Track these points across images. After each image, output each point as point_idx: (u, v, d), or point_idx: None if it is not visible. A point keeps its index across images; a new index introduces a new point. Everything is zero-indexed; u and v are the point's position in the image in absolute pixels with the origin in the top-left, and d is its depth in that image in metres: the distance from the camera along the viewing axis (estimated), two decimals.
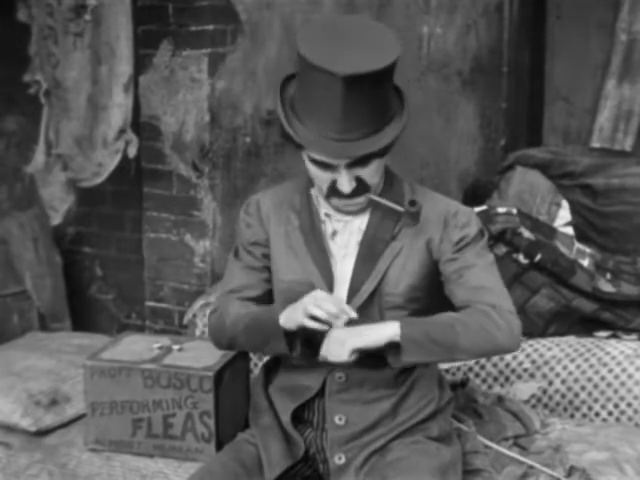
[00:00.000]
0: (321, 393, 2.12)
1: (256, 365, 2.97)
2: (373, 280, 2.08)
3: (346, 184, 2.01)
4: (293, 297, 2.10)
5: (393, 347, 2.00)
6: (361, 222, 2.12)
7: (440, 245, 2.09)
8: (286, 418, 2.13)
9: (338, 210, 2.11)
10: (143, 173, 3.73)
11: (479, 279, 2.06)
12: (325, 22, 2.11)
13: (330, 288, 2.09)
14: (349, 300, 2.08)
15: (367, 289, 2.07)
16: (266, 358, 2.32)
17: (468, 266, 2.07)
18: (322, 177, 2.03)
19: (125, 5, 3.73)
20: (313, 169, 2.04)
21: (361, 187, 2.03)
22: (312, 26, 2.03)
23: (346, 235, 2.12)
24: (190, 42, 3.53)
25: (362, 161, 1.99)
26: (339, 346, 1.98)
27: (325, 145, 1.95)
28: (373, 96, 1.94)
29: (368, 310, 2.07)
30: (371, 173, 2.03)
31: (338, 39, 1.94)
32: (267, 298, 2.21)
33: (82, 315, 4.03)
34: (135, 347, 2.49)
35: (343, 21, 2.09)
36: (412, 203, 2.04)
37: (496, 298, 2.05)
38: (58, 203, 4.06)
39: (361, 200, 2.06)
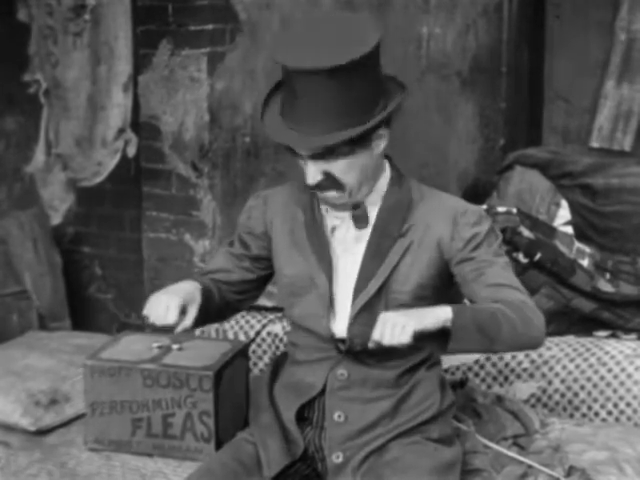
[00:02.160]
0: (323, 391, 2.12)
1: (256, 364, 2.97)
2: (381, 276, 2.07)
3: (309, 175, 2.02)
4: (295, 291, 2.13)
5: (439, 334, 1.90)
6: None
7: (451, 243, 2.06)
8: (290, 415, 2.13)
9: (324, 204, 2.11)
10: (142, 173, 3.73)
11: (501, 277, 2.04)
12: (302, 21, 2.16)
13: (330, 282, 2.09)
14: (354, 297, 2.08)
15: (374, 285, 2.07)
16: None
17: (487, 265, 2.04)
18: (300, 168, 2.05)
19: (124, 5, 3.74)
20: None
21: (329, 182, 2.02)
22: (291, 27, 2.09)
23: (343, 230, 2.12)
24: (189, 41, 3.53)
25: (324, 156, 1.98)
26: (399, 329, 1.84)
27: (283, 133, 1.99)
28: (333, 93, 1.92)
29: (373, 307, 2.06)
30: (342, 170, 2.01)
31: (309, 36, 1.97)
32: (244, 287, 2.24)
33: (82, 315, 4.03)
34: (135, 346, 2.49)
35: (320, 18, 2.14)
36: (355, 207, 2.07)
37: (522, 295, 2.03)
38: (58, 203, 4.06)
39: (333, 195, 2.05)
